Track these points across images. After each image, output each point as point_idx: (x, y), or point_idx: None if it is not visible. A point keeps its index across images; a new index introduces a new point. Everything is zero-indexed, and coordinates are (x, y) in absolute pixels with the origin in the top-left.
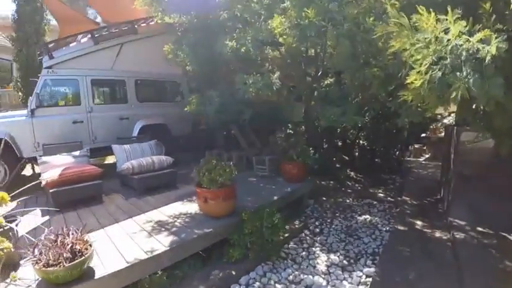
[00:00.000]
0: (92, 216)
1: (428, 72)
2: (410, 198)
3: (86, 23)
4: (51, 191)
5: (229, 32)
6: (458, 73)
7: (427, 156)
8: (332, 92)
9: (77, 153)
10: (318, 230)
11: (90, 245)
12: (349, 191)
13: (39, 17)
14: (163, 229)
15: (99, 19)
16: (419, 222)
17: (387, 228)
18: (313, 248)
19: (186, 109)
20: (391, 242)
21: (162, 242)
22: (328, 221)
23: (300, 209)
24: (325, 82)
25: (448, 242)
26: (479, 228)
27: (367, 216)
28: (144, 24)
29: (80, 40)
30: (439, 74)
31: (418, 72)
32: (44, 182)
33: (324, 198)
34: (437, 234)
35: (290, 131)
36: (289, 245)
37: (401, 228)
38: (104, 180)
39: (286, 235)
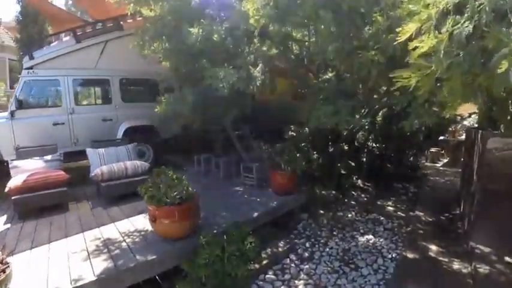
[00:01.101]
0: (48, 228)
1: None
2: (424, 213)
3: (76, 22)
4: (12, 198)
5: (206, 19)
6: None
7: (445, 161)
8: (327, 87)
9: (48, 157)
10: (307, 254)
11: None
12: (352, 202)
13: (42, 17)
14: (105, 250)
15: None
16: (433, 247)
17: (393, 255)
18: (296, 281)
19: (156, 110)
20: (396, 276)
21: (95, 269)
22: (322, 241)
23: (289, 225)
24: (324, 77)
25: (469, 277)
26: (508, 259)
27: (371, 236)
28: (131, 20)
29: (62, 39)
30: (468, 27)
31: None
32: (7, 189)
33: (321, 212)
34: (456, 265)
35: (292, 133)
36: (266, 276)
37: (411, 255)
38: (83, 186)
39: (265, 262)
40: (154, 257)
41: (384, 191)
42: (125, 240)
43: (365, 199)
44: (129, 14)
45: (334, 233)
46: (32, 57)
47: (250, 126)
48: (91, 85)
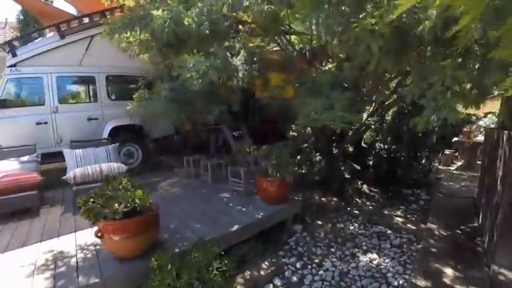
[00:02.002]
0: (10, 234)
1: None
2: (437, 225)
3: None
4: None
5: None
6: None
7: (459, 164)
8: (322, 78)
9: (25, 158)
10: (296, 277)
11: None
12: (356, 212)
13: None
14: (52, 266)
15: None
16: (448, 271)
17: (400, 282)
18: None
19: (128, 107)
20: None
21: None
22: (317, 261)
23: (279, 239)
24: (324, 68)
25: None
26: None
27: (375, 255)
28: (119, 14)
29: (46, 35)
30: None
31: None
32: None
33: (319, 223)
34: None
35: (294, 133)
36: None
37: (422, 283)
38: (64, 189)
39: None
40: (97, 280)
41: (392, 198)
42: (76, 256)
43: (370, 207)
44: (117, 6)
45: (332, 249)
46: (14, 55)
47: (249, 126)
48: (76, 83)
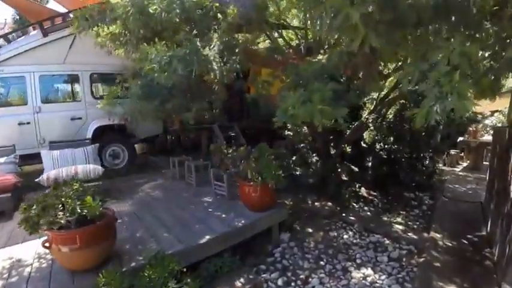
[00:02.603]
0: None
1: None
2: (442, 234)
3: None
4: None
5: None
6: None
7: (465, 165)
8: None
9: (2, 159)
10: None
11: None
12: (351, 218)
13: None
14: (6, 275)
15: None
16: None
17: None
18: None
19: (97, 106)
20: None
21: None
22: (302, 276)
23: (263, 250)
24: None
25: None
26: None
27: (369, 270)
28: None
29: (29, 33)
30: None
31: None
32: None
33: (310, 230)
34: None
35: (289, 132)
36: None
37: None
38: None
39: None
40: None
41: (393, 203)
42: (32, 265)
43: (368, 213)
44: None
45: (322, 262)
46: None
47: (245, 126)
48: (59, 81)
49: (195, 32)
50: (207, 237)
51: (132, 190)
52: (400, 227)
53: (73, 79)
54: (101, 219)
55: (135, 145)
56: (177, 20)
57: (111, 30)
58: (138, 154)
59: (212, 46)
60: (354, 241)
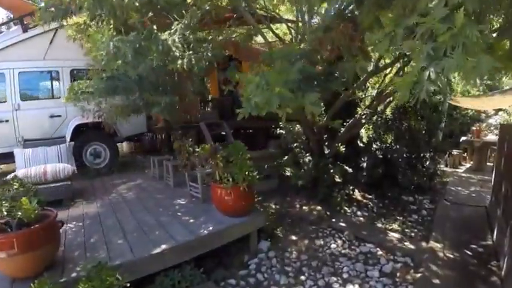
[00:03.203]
0: None
1: None
2: (442, 244)
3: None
4: None
5: None
6: None
7: (468, 166)
8: (278, 52)
9: None
10: None
11: None
12: (342, 224)
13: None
14: None
15: None
16: None
17: None
18: None
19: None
20: None
21: None
22: None
23: (237, 260)
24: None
25: None
26: None
27: None
28: None
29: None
30: None
31: None
32: None
33: (294, 238)
34: None
35: (281, 131)
36: None
37: None
38: None
39: None
40: None
41: (389, 207)
42: None
43: (361, 219)
44: None
45: (303, 276)
46: None
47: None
48: (39, 78)
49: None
50: (164, 246)
51: (107, 190)
52: (396, 235)
53: (53, 75)
54: (40, 222)
55: (124, 144)
56: (137, 4)
57: (76, 21)
58: (128, 153)
59: (173, 31)
60: (343, 251)
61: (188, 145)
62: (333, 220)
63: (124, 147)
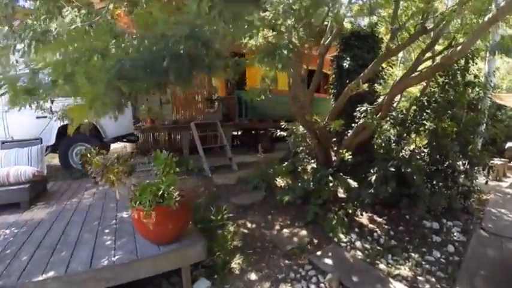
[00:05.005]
0: None
1: None
2: None
3: None
4: None
5: None
6: None
7: None
8: None
9: None
10: None
11: None
12: (328, 261)
13: None
14: None
15: None
16: None
17: None
18: None
19: None
20: None
21: None
22: None
23: None
24: None
25: None
26: None
27: None
28: None
29: None
30: None
31: None
32: None
33: (253, 278)
34: None
35: (282, 132)
36: None
37: None
38: None
39: None
40: None
41: (403, 237)
42: None
43: (358, 254)
44: None
45: None
46: None
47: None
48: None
49: None
50: (51, 273)
51: (73, 194)
52: (402, 286)
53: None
54: None
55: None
56: None
57: None
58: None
59: None
60: None
61: (92, 153)
62: (318, 253)
63: (128, 147)
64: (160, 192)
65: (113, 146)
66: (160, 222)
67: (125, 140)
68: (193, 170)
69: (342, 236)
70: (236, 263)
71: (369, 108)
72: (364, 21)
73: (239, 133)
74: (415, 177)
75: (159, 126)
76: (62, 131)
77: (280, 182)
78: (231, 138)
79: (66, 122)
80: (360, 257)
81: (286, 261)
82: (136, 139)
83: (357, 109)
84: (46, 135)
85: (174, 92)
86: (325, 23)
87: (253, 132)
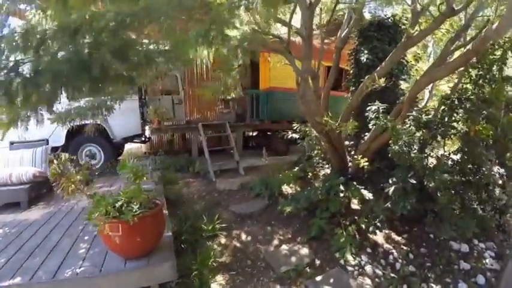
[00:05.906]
0: None
1: None
2: None
3: None
4: None
5: None
6: None
7: None
8: None
9: None
10: None
11: None
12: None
13: None
14: None
15: None
16: None
17: None
18: None
19: None
20: None
21: None
22: None
23: None
24: None
25: None
26: None
27: None
28: None
29: None
30: None
31: None
32: None
33: None
34: None
35: (294, 135)
36: None
37: None
38: None
39: None
40: None
41: (424, 261)
42: None
43: (367, 281)
44: None
45: None
46: None
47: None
48: None
49: None
50: (18, 279)
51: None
52: None
53: None
54: None
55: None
56: None
57: None
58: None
59: None
60: None
61: (63, 161)
62: (318, 279)
63: (143, 147)
64: (118, 205)
65: (128, 146)
66: (129, 235)
67: (135, 140)
68: (200, 173)
69: (350, 257)
70: (217, 284)
71: (381, 108)
72: (386, 12)
73: (254, 134)
74: (439, 194)
75: (165, 127)
76: (72, 132)
77: (287, 189)
78: (246, 139)
79: (76, 123)
80: (368, 286)
81: (278, 287)
82: (146, 140)
83: (367, 108)
84: (56, 136)
85: (188, 92)
86: (342, 13)
87: (268, 133)
